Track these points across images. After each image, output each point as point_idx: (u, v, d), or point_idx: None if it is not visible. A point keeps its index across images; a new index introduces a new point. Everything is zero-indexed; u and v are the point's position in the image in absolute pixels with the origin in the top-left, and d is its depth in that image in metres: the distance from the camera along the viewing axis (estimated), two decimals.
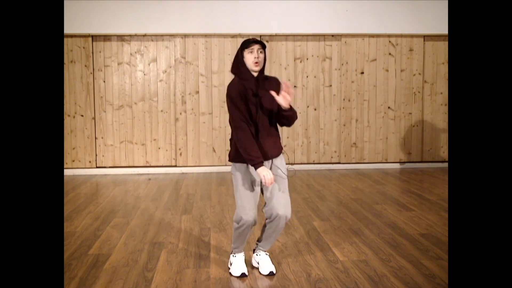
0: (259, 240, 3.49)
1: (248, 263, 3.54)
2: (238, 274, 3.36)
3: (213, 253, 3.82)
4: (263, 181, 3.09)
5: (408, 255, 3.72)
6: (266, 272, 3.41)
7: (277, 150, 3.30)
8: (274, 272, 3.42)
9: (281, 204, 3.22)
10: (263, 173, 3.07)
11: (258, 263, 3.50)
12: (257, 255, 3.51)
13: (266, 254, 3.49)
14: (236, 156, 3.25)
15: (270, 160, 3.28)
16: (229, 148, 3.55)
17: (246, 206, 3.23)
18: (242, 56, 3.21)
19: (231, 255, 3.48)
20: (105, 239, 4.20)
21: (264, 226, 3.39)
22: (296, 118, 3.31)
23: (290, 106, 3.18)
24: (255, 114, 3.19)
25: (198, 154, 7.53)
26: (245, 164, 3.26)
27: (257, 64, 3.17)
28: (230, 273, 3.41)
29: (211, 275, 3.38)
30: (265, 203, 3.30)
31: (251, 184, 3.27)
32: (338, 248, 3.89)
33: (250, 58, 3.18)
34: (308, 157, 7.67)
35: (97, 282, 3.27)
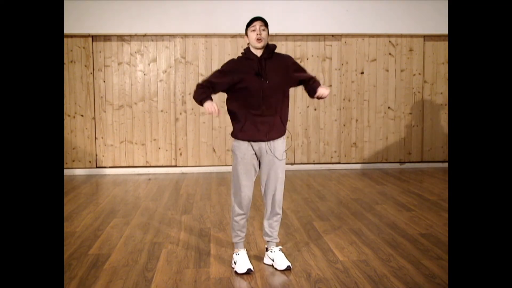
0: (265, 234, 3.53)
1: (261, 260, 3.60)
2: (244, 270, 3.33)
3: (213, 253, 3.81)
4: (207, 111, 3.26)
5: (408, 255, 3.72)
6: (283, 267, 3.39)
7: (277, 133, 3.37)
8: (291, 266, 3.42)
9: (272, 186, 3.40)
10: (206, 105, 3.25)
11: (272, 260, 3.47)
12: (271, 251, 3.49)
13: (280, 250, 3.51)
14: (237, 132, 3.37)
15: (268, 142, 3.35)
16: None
17: (242, 183, 3.35)
18: (247, 36, 3.35)
19: (234, 254, 3.48)
20: (105, 239, 4.20)
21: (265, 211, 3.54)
22: (318, 84, 3.39)
23: (311, 77, 3.43)
24: (259, 94, 3.26)
25: (198, 154, 7.53)
26: (246, 143, 3.34)
27: (259, 41, 3.28)
28: (235, 272, 3.37)
29: (211, 275, 3.38)
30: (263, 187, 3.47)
31: (249, 165, 3.37)
32: (338, 248, 3.89)
33: (253, 36, 3.30)
34: (308, 157, 7.67)
35: (97, 282, 3.27)
